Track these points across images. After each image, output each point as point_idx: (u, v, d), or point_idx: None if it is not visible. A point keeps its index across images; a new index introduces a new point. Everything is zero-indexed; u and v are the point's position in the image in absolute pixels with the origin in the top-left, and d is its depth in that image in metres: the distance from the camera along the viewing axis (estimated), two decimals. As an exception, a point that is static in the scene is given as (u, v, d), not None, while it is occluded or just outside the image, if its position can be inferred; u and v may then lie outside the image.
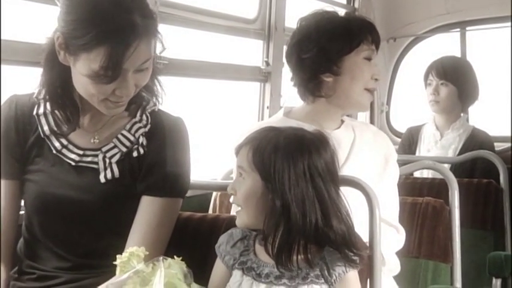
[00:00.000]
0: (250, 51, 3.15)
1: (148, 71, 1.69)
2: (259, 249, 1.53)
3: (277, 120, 2.15)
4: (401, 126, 4.14)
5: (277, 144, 1.49)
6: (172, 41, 2.70)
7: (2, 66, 1.92)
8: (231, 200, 1.54)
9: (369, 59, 2.06)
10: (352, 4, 3.91)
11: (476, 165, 3.26)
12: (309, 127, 2.01)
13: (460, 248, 2.37)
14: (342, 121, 2.17)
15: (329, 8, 2.19)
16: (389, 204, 2.12)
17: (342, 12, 2.17)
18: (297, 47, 2.09)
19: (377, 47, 2.10)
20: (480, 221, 2.86)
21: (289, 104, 2.26)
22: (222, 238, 1.59)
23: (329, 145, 1.54)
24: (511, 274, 2.55)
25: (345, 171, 2.00)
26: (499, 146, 3.59)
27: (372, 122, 4.25)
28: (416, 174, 3.41)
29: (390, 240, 2.09)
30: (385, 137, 2.24)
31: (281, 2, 3.16)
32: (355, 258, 1.50)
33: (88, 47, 1.58)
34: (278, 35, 3.15)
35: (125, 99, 1.69)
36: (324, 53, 2.04)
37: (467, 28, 4.15)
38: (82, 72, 1.62)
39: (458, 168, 3.27)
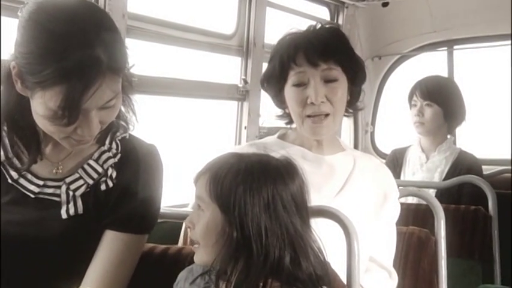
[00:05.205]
0: (228, 69, 3.02)
1: (115, 107, 1.50)
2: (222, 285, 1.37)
3: (270, 141, 2.02)
4: (387, 148, 4.01)
5: (238, 172, 1.34)
6: (144, 56, 2.60)
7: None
8: (189, 234, 1.38)
9: (297, 85, 1.90)
10: (335, 21, 3.78)
11: (463, 190, 3.12)
12: (297, 150, 1.88)
13: (447, 280, 2.23)
14: (343, 149, 2.03)
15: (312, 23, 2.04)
16: (383, 244, 1.96)
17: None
18: None
19: (312, 64, 1.88)
20: (467, 250, 2.71)
21: (267, 124, 2.14)
22: (181, 274, 1.47)
23: (297, 174, 1.40)
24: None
25: (339, 201, 1.87)
26: (487, 170, 3.44)
27: (356, 142, 4.14)
28: (401, 199, 3.26)
29: (380, 284, 1.93)
30: (388, 172, 2.07)
31: (260, 16, 3.05)
32: None
33: (43, 85, 1.39)
34: (257, 51, 3.03)
35: (88, 138, 1.51)
36: (269, 88, 2.00)
37: (455, 47, 4.06)
38: (38, 111, 1.45)
39: (445, 193, 3.14)
